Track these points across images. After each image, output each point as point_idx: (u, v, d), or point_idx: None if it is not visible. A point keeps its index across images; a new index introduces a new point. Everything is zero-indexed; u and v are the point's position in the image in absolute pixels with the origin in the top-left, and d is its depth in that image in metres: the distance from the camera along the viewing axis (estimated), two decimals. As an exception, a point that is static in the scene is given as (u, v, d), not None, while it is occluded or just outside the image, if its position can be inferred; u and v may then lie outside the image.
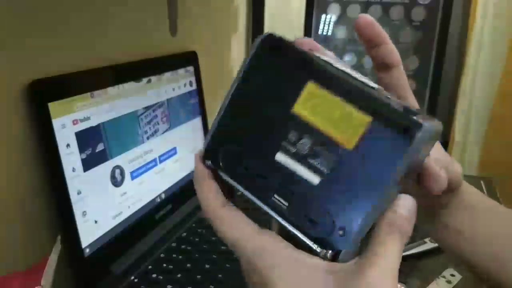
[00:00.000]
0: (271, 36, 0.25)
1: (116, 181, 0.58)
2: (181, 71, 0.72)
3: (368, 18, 0.29)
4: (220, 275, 0.56)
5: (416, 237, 0.67)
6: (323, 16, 1.00)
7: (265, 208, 0.25)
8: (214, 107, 0.89)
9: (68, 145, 0.50)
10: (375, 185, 0.21)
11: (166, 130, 0.68)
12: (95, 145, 0.54)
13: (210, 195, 0.27)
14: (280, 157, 0.24)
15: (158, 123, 0.66)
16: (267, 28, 1.03)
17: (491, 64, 1.22)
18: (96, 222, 0.54)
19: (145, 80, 0.63)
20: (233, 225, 0.26)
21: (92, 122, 0.53)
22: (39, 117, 0.48)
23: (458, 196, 0.35)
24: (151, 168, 0.64)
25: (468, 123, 1.28)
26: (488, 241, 0.35)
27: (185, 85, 0.73)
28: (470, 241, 0.35)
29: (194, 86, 0.75)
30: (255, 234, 0.25)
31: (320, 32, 1.00)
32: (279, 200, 0.24)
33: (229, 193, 0.28)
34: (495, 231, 0.35)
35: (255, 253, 0.24)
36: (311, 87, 0.23)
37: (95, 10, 0.58)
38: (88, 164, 0.53)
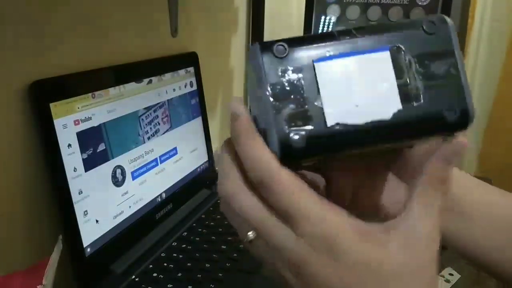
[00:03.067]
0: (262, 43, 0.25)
1: (117, 181, 0.58)
2: (181, 71, 0.72)
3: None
4: (220, 274, 0.56)
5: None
6: (323, 17, 1.00)
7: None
8: (214, 108, 0.89)
9: (69, 145, 0.50)
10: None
11: (167, 131, 0.68)
12: (96, 145, 0.54)
13: (266, 152, 0.24)
14: None
15: (158, 124, 0.66)
16: (267, 29, 1.03)
17: (490, 65, 1.22)
18: (97, 221, 0.54)
19: (146, 80, 0.63)
20: (300, 192, 0.23)
21: (93, 123, 0.54)
22: (40, 117, 0.48)
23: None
24: (152, 168, 0.65)
25: (467, 123, 1.29)
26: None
27: (185, 85, 0.73)
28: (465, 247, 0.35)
29: (195, 87, 0.76)
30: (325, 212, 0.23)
31: (319, 33, 1.00)
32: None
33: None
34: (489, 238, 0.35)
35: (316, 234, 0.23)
36: None
37: (95, 10, 0.58)
38: (89, 164, 0.53)
